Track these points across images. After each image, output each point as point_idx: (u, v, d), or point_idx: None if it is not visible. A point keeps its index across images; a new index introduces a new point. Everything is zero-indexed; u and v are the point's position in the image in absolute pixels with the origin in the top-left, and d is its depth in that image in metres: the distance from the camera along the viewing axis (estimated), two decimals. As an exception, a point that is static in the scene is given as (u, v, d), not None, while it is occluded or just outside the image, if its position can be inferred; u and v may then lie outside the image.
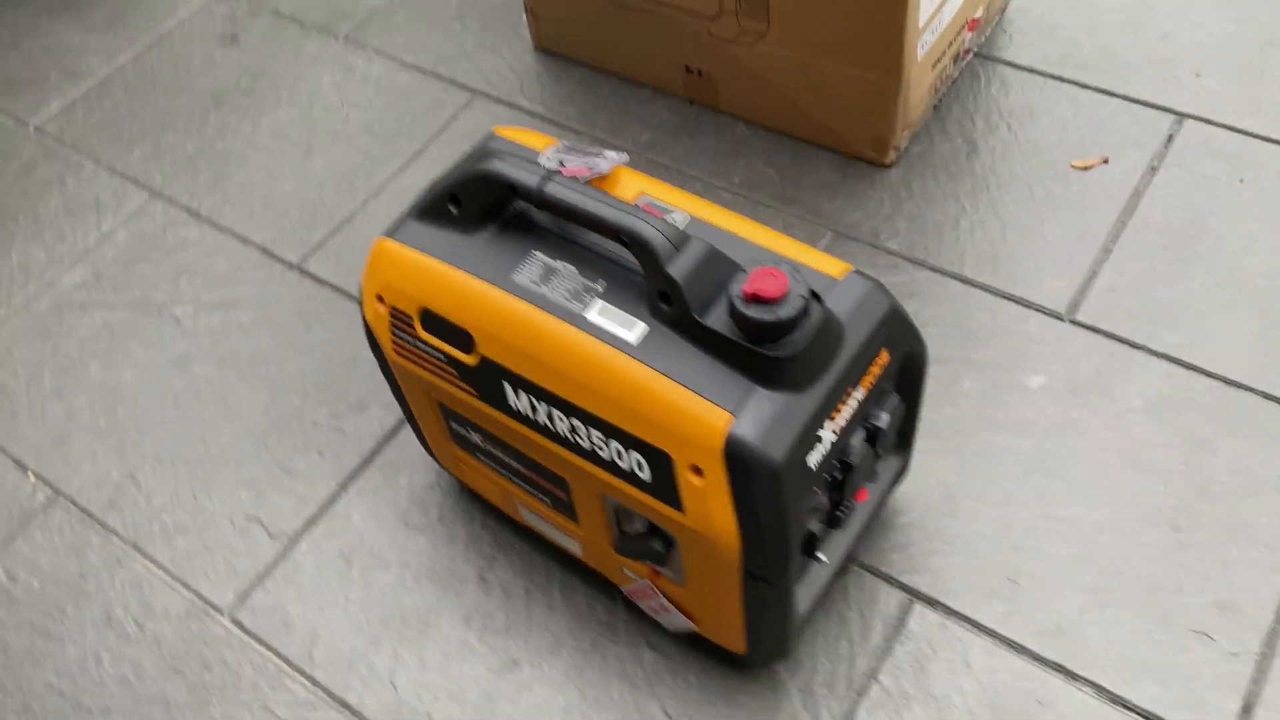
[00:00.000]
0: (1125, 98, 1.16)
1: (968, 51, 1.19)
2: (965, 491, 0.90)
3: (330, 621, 0.89)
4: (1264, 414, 0.91)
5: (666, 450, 0.65)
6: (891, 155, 1.12)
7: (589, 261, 0.70)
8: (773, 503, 0.63)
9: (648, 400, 0.65)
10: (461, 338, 0.72)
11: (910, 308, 1.01)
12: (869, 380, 0.68)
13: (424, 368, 0.76)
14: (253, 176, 1.24)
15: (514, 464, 0.79)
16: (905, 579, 0.86)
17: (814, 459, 0.65)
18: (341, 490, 0.97)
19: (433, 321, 0.73)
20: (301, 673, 0.87)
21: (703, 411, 0.63)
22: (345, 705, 0.85)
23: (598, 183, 0.74)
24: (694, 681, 0.83)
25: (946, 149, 1.14)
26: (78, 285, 1.16)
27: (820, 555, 0.74)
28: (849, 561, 0.86)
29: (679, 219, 0.72)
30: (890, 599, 0.85)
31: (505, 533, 0.92)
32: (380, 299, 0.75)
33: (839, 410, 0.66)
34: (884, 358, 0.69)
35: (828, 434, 0.65)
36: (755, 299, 0.62)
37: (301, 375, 1.05)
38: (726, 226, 0.72)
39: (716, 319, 0.64)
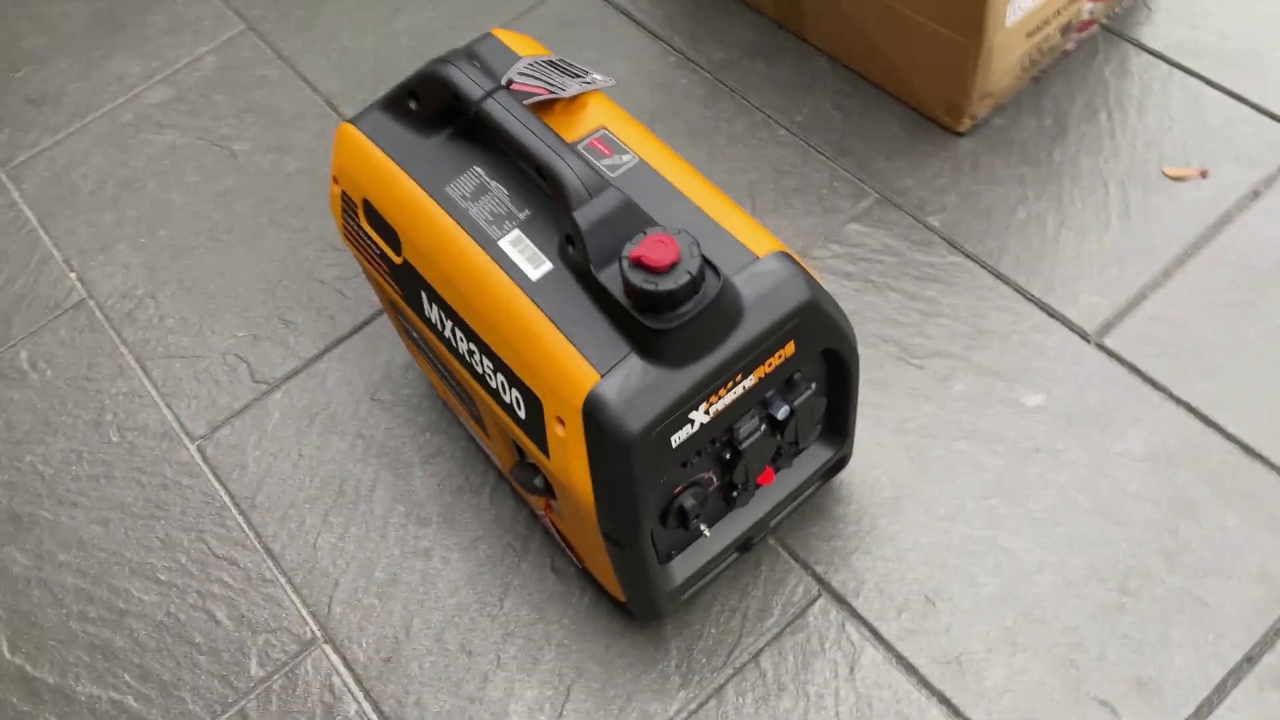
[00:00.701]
0: (1254, 105, 1.02)
1: (1089, 23, 1.07)
2: (914, 496, 0.85)
3: (279, 472, 0.94)
4: (1272, 492, 0.82)
5: (538, 395, 0.64)
6: (966, 123, 1.03)
7: (523, 187, 0.68)
8: (622, 471, 0.62)
9: (530, 342, 0.64)
10: (392, 236, 0.72)
11: (929, 293, 0.95)
12: (764, 370, 0.64)
13: (364, 255, 0.77)
14: (339, 26, 1.25)
15: (442, 367, 0.79)
16: (820, 569, 0.83)
17: (679, 438, 0.62)
18: (326, 352, 1.00)
19: (371, 214, 0.73)
20: (241, 512, 0.92)
21: (575, 366, 0.62)
22: (269, 552, 0.90)
23: (561, 107, 0.72)
24: (584, 614, 0.83)
25: (1031, 127, 1.04)
26: (160, 104, 1.22)
27: (704, 529, 0.72)
28: (770, 538, 0.84)
29: (626, 162, 0.69)
30: (799, 586, 0.82)
31: (458, 429, 0.94)
32: (336, 180, 0.76)
33: (720, 395, 0.63)
34: (789, 350, 0.65)
35: (700, 416, 0.63)
36: (640, 265, 0.59)
37: (325, 232, 1.08)
38: (673, 180, 0.68)
39: (611, 275, 0.62)
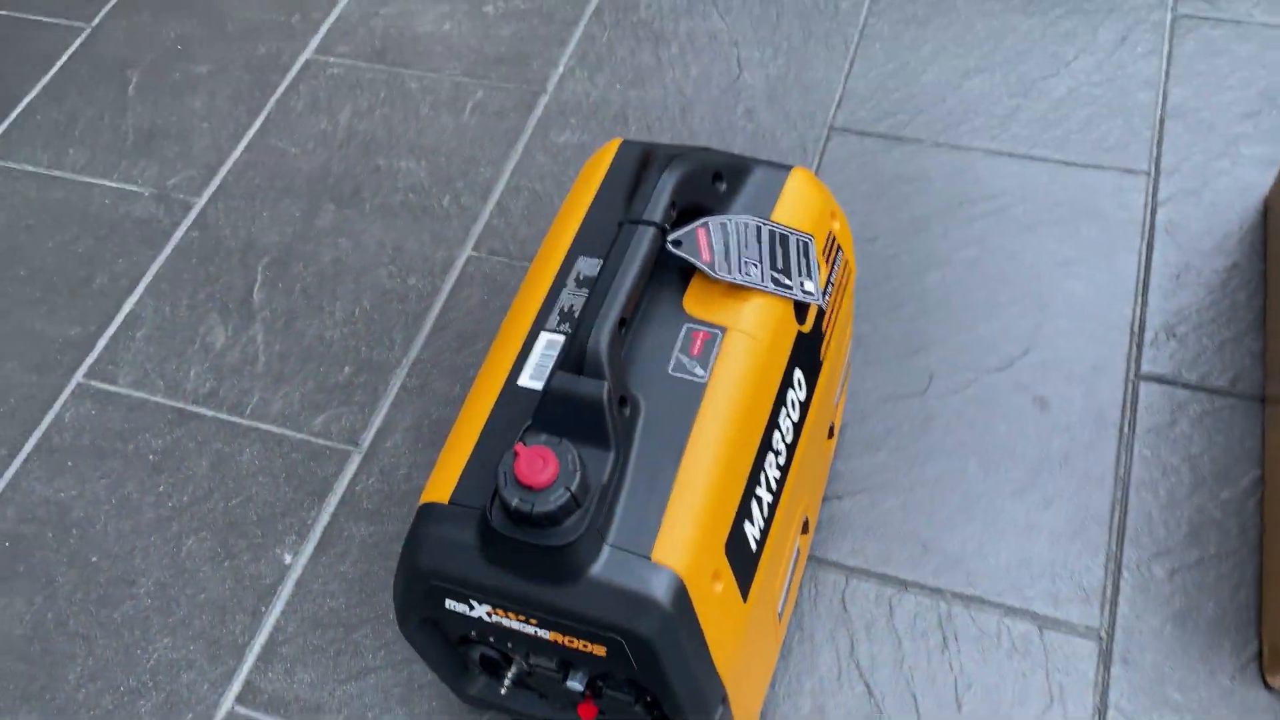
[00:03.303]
0: None
1: None
2: None
3: (471, 313, 1.03)
4: None
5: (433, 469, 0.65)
6: (1278, 682, 0.75)
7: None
8: (401, 581, 0.62)
9: (463, 425, 0.64)
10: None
11: (1010, 762, 0.76)
12: (563, 641, 0.59)
13: (541, 246, 0.79)
14: (934, 50, 1.17)
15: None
16: (614, 820, 0.77)
17: (454, 607, 0.61)
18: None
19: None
20: (434, 320, 1.04)
21: (449, 474, 0.61)
22: (407, 364, 1.01)
23: (727, 287, 0.65)
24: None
25: (1350, 764, 0.73)
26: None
27: (504, 685, 0.69)
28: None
29: (695, 376, 0.62)
30: (588, 807, 0.77)
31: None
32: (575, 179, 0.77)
33: (507, 615, 0.59)
34: (598, 650, 0.58)
35: (481, 610, 0.60)
36: (515, 459, 0.56)
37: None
38: (698, 431, 0.60)
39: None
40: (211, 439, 0.99)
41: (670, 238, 0.64)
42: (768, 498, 0.64)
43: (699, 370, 0.62)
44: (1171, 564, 0.82)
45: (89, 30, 1.37)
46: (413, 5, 1.32)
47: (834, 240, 0.72)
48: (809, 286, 0.67)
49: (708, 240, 0.65)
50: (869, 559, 0.85)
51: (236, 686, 0.86)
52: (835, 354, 0.74)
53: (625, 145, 0.74)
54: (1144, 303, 0.96)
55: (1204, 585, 0.81)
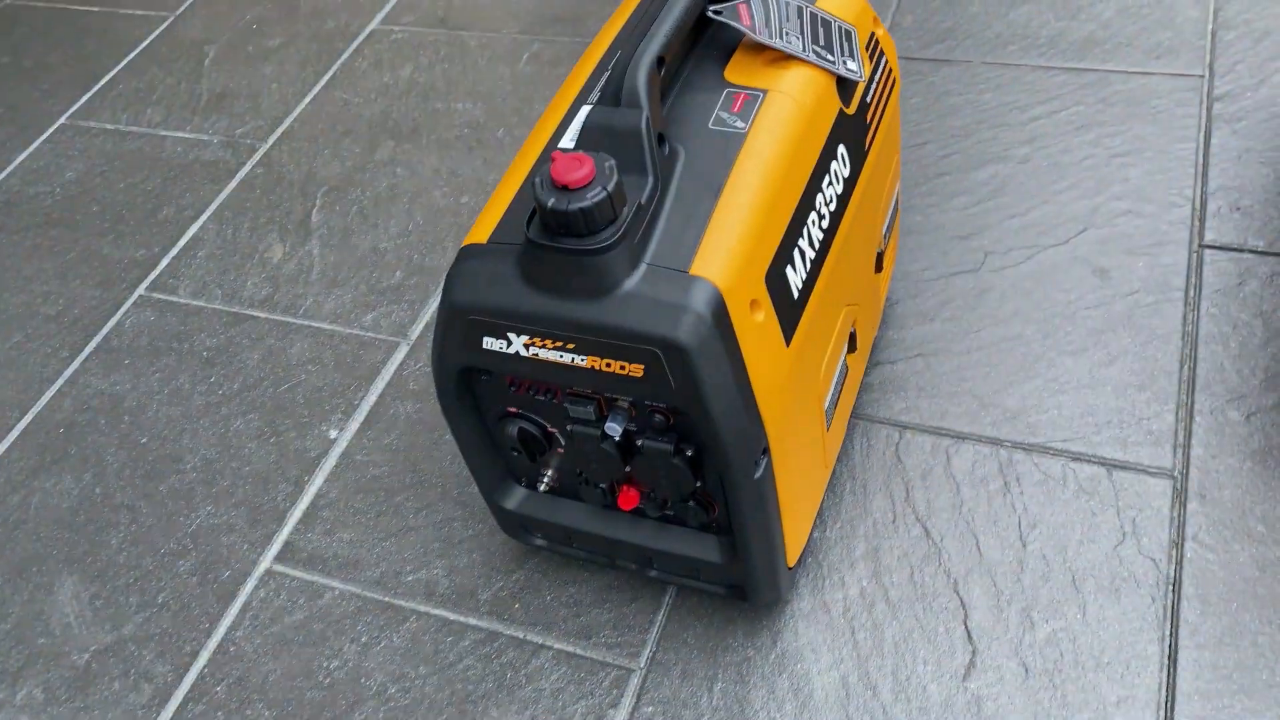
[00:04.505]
0: None
1: None
2: (791, 699, 0.69)
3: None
4: None
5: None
6: (1372, 505, 0.70)
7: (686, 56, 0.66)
8: (440, 327, 0.61)
9: (501, 185, 0.64)
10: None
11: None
12: (599, 364, 0.57)
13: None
14: (976, -18, 1.19)
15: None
16: (660, 654, 0.72)
17: (491, 344, 0.59)
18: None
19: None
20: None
21: (494, 216, 0.61)
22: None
23: (775, 54, 0.65)
24: (513, 493, 0.84)
25: None
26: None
27: (541, 483, 0.67)
28: (667, 592, 0.75)
29: (734, 128, 0.62)
30: (639, 650, 0.73)
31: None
32: None
33: (543, 343, 0.58)
34: (634, 369, 0.56)
35: (518, 344, 0.58)
36: (551, 164, 0.55)
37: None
38: (737, 174, 0.59)
39: (568, 171, 0.59)
40: (265, 336, 1.00)
41: (712, 7, 0.65)
42: (810, 253, 0.63)
43: (739, 123, 0.62)
44: (1248, 408, 0.78)
45: (172, 18, 1.45)
46: (474, -19, 1.39)
47: (876, 43, 0.72)
48: (851, 65, 0.67)
49: (749, 10, 0.65)
50: (923, 415, 0.82)
51: (276, 547, 0.84)
52: (881, 158, 0.73)
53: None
54: (1204, 182, 0.93)
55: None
